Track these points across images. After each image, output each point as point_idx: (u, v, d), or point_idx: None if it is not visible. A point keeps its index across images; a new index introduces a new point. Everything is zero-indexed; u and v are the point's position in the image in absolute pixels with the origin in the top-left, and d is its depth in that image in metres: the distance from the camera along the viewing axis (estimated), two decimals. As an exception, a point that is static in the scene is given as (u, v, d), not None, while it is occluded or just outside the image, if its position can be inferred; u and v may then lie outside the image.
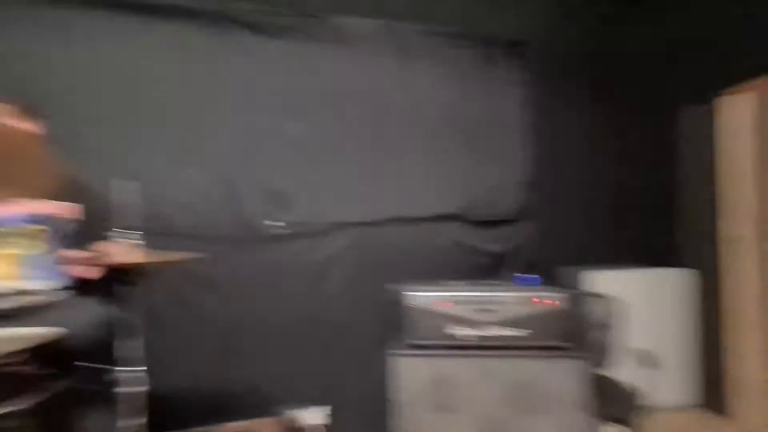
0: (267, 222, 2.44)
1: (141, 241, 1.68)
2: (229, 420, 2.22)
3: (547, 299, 1.91)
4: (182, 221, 2.31)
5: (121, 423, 1.54)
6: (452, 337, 1.88)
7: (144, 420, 1.56)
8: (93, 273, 1.69)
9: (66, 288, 1.68)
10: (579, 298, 2.00)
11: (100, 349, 1.56)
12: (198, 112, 2.38)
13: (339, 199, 2.56)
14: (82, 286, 1.73)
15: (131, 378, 1.57)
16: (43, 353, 1.39)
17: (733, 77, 2.58)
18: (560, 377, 1.84)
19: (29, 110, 1.72)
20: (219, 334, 2.29)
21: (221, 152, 2.41)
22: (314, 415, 1.95)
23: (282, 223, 2.43)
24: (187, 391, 2.20)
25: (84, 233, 1.83)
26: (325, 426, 2.02)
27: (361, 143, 2.62)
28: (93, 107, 2.23)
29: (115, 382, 1.57)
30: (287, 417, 1.95)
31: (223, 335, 2.30)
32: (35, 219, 1.67)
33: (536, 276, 2.31)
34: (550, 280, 2.49)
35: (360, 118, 2.62)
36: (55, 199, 1.72)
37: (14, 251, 1.63)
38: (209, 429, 2.13)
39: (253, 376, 2.28)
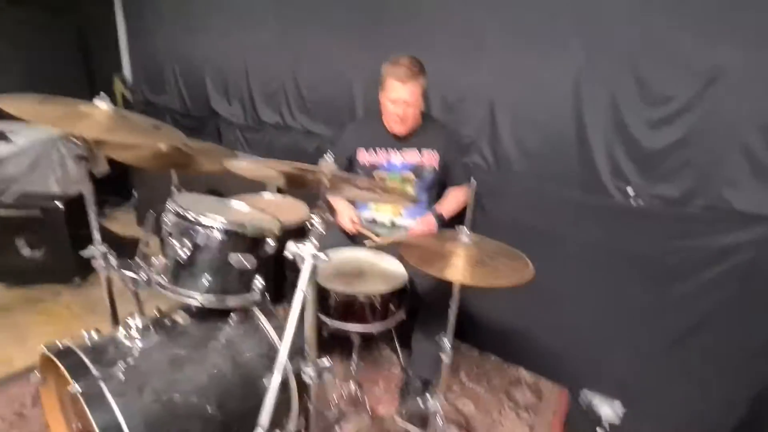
0: (625, 189, 1.87)
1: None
2: (519, 364, 2.30)
3: None
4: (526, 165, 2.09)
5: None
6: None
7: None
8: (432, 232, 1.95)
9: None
10: None
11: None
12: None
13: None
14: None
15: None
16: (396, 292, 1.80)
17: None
18: None
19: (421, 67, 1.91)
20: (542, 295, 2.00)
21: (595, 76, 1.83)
22: (611, 409, 1.83)
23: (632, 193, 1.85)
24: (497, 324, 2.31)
25: (443, 182, 2.13)
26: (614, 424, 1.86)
27: None
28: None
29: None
30: (583, 397, 1.91)
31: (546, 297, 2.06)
32: (408, 167, 2.06)
33: None
34: None
35: None
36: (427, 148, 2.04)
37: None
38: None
39: (556, 344, 2.17)
